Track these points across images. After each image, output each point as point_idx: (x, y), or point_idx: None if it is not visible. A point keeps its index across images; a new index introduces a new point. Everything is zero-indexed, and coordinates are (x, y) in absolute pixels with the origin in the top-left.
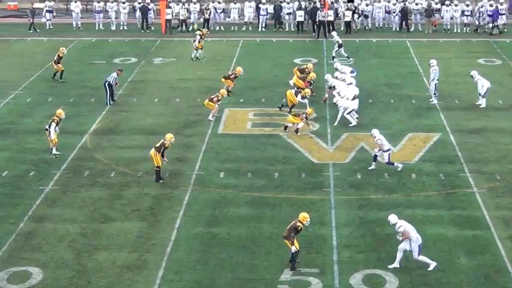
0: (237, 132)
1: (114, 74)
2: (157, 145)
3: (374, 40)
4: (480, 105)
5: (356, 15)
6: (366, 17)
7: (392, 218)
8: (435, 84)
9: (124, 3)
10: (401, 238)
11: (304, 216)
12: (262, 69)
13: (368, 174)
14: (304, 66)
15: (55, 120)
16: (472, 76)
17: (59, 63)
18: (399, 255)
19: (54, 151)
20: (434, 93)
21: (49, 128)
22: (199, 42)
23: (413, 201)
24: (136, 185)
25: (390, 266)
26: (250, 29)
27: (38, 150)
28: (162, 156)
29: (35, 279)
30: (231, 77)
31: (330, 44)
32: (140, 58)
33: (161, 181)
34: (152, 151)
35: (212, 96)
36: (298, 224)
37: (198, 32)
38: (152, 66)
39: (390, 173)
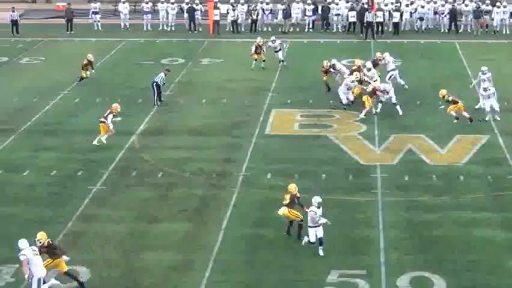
0: (284, 134)
1: (162, 74)
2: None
3: (422, 41)
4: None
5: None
6: (421, 19)
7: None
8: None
9: (172, 3)
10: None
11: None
12: (309, 70)
13: (416, 176)
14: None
15: (113, 112)
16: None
17: (82, 68)
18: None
19: (103, 139)
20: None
21: (106, 120)
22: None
23: (461, 204)
24: (183, 186)
25: None
26: (297, 30)
27: (86, 150)
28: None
29: (82, 279)
30: (328, 69)
31: (378, 45)
32: (187, 59)
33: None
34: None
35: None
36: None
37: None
38: (199, 67)
39: (438, 175)
